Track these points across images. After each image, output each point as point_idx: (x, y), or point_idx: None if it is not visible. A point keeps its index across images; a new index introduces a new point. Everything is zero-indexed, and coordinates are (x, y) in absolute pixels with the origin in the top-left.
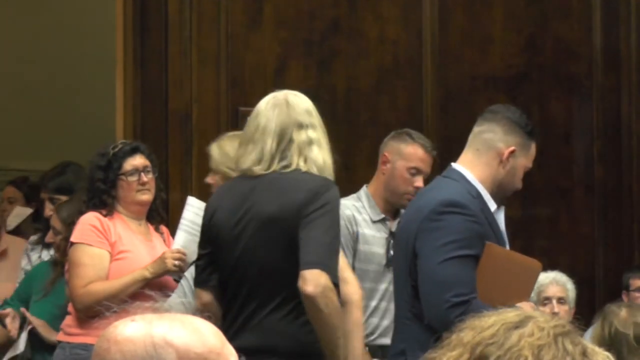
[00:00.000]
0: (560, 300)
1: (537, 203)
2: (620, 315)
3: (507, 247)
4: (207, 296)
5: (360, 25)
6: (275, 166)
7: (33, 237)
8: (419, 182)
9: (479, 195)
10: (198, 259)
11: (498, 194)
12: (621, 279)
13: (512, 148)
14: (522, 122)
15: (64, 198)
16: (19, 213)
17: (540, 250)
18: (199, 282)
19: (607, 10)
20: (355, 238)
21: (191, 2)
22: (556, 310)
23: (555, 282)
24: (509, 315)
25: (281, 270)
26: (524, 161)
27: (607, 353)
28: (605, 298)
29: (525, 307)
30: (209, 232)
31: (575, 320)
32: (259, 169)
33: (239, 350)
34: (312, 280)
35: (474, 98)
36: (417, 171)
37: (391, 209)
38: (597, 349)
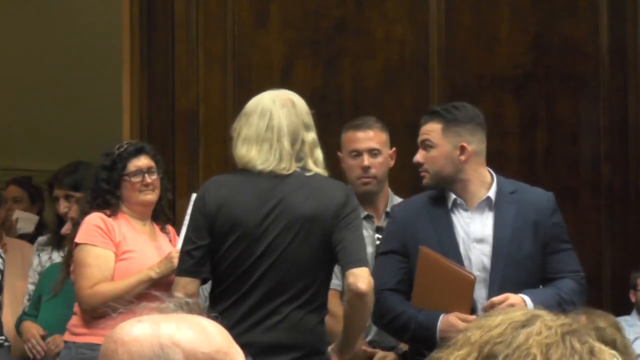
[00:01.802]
0: None
1: None
2: (580, 322)
3: (469, 246)
4: (194, 287)
5: (367, 25)
6: (295, 167)
7: (42, 238)
8: (365, 161)
9: (439, 195)
10: (194, 248)
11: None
12: (628, 279)
13: None
14: None
15: (79, 195)
16: (27, 217)
17: None
18: (190, 272)
19: (613, 9)
20: None
21: (198, 1)
22: None
23: None
24: (516, 314)
25: (311, 267)
26: None
27: (613, 352)
28: (612, 298)
29: (450, 318)
30: (213, 224)
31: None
32: (280, 169)
33: (260, 344)
34: (365, 278)
35: (481, 97)
36: (357, 152)
37: (370, 203)
38: (603, 347)
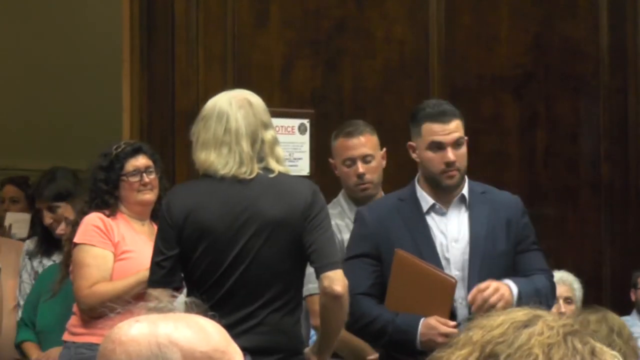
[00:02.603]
0: (567, 300)
1: (543, 202)
2: (591, 323)
3: (446, 246)
4: (166, 297)
5: (367, 25)
6: (257, 169)
7: (29, 243)
8: (360, 168)
9: (411, 197)
10: (163, 259)
11: (435, 188)
12: (628, 278)
13: (410, 143)
14: (412, 113)
15: (62, 204)
16: (20, 219)
17: (546, 250)
18: (161, 282)
19: (613, 10)
20: (341, 246)
21: (198, 1)
22: (563, 310)
23: (562, 282)
24: (518, 314)
25: (284, 270)
26: (422, 145)
27: (615, 352)
28: (612, 297)
29: (431, 321)
30: (181, 233)
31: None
32: (242, 173)
33: (243, 349)
34: (340, 280)
35: (481, 97)
36: (351, 161)
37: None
38: (605, 348)
